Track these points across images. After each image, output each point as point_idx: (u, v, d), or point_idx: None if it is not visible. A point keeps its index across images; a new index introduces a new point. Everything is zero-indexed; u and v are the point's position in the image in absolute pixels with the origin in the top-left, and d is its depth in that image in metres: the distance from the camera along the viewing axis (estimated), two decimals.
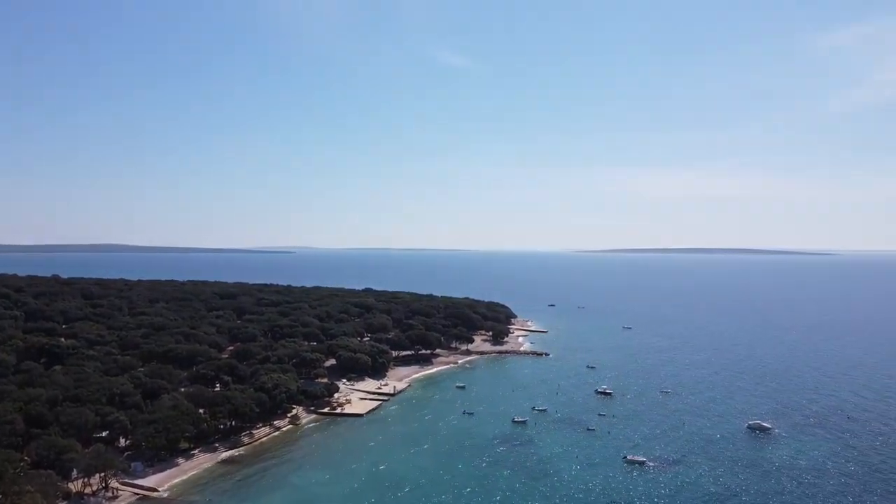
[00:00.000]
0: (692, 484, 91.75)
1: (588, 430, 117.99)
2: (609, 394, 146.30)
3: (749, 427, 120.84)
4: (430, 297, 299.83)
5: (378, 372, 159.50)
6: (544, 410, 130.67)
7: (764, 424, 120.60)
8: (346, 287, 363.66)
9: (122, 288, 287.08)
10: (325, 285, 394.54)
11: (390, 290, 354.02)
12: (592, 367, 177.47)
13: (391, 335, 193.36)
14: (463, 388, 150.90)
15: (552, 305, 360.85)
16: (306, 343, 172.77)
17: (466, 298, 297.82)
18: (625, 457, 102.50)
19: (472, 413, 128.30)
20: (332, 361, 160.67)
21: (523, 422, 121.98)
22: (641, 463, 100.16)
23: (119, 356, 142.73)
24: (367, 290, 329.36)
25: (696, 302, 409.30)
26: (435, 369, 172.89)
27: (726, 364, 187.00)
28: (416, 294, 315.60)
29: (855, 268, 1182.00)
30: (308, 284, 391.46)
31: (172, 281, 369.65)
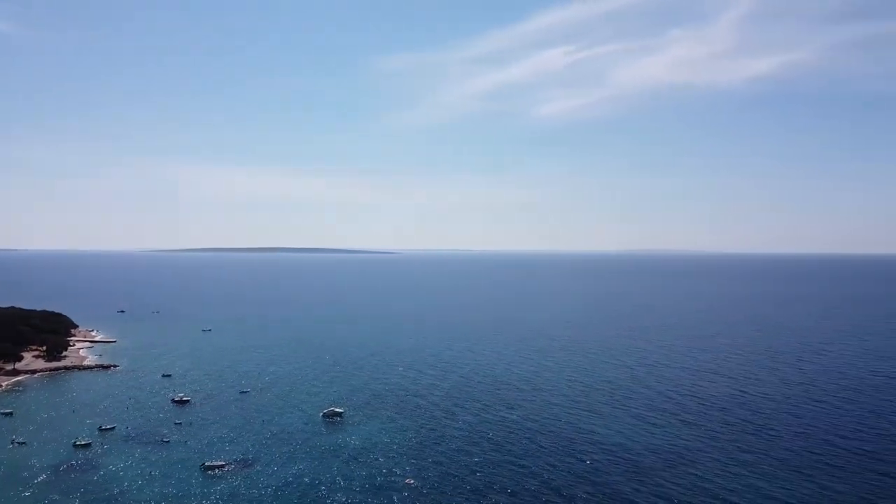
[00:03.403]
0: (271, 479, 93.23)
1: (163, 442, 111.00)
2: (187, 401, 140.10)
3: (324, 415, 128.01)
4: None
5: None
6: (113, 429, 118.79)
7: (337, 410, 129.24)
8: None
9: None
10: None
11: None
12: (168, 376, 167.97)
13: None
14: (10, 414, 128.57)
15: (122, 311, 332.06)
16: None
17: (13, 308, 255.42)
18: (203, 464, 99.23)
19: (23, 442, 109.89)
20: None
21: (87, 444, 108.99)
22: (221, 467, 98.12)
23: None
24: None
25: (276, 298, 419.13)
26: None
27: (303, 356, 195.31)
28: None
29: (413, 264, 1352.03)
30: None
31: None
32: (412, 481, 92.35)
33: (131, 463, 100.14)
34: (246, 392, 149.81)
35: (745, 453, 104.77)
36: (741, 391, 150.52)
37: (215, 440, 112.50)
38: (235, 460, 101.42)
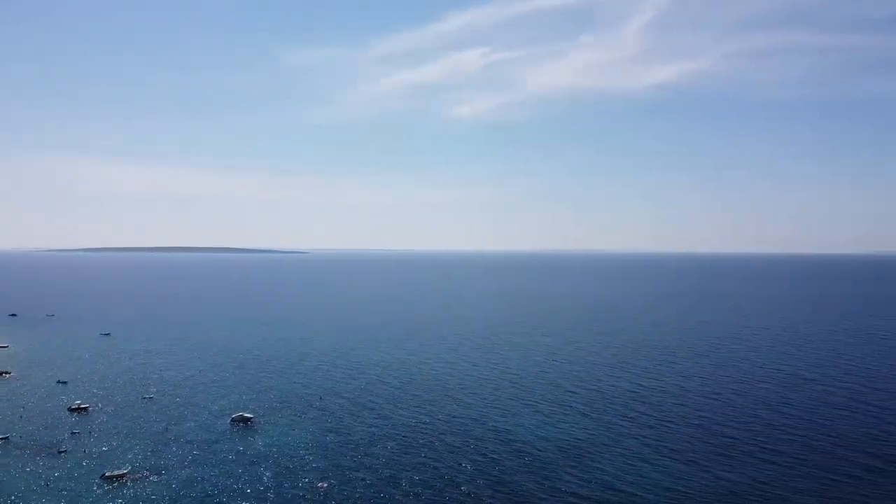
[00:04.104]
0: (177, 487, 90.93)
1: (60, 451, 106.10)
2: (85, 409, 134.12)
3: (232, 420, 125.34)
4: None
5: None
6: (6, 439, 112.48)
7: (246, 415, 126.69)
8: None
9: None
10: None
11: None
12: (64, 382, 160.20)
13: None
14: None
15: (13, 315, 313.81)
16: None
17: None
18: (103, 473, 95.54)
19: None
20: None
21: None
22: (122, 476, 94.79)
23: None
24: None
25: (180, 300, 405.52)
26: None
27: (210, 359, 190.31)
28: None
29: (324, 264, 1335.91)
30: None
31: None
32: (324, 485, 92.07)
33: (26, 474, 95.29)
34: (149, 398, 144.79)
35: (645, 447, 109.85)
36: (641, 385, 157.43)
37: (116, 448, 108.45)
38: (138, 469, 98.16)
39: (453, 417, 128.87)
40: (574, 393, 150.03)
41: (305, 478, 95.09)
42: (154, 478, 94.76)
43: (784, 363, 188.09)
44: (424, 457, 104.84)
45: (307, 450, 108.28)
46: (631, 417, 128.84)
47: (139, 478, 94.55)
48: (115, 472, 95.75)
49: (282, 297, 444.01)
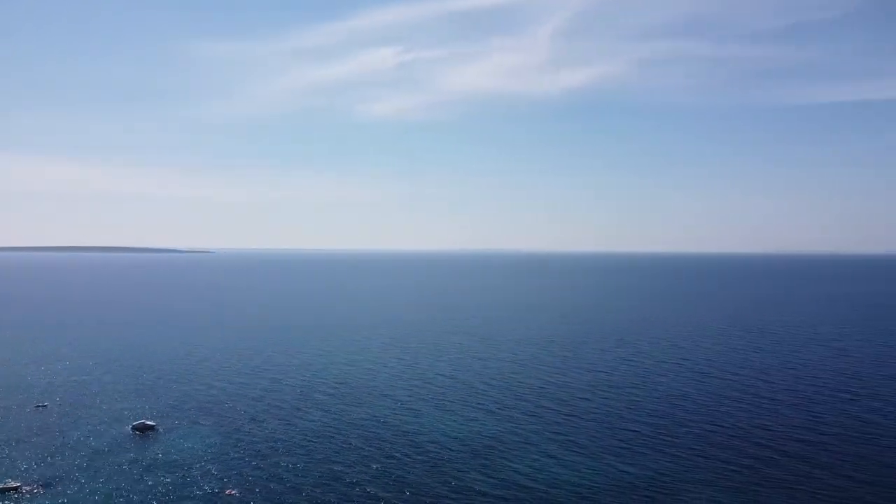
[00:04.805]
0: (74, 499, 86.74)
1: None
2: None
3: (133, 428, 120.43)
4: None
5: None
6: None
7: (148, 423, 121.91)
8: None
9: None
10: None
11: None
12: None
13: None
14: None
15: None
16: None
17: None
18: None
19: None
20: None
21: None
22: (15, 489, 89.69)
23: None
24: None
25: (72, 302, 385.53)
26: None
27: (109, 365, 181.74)
28: None
29: (229, 264, 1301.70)
30: None
31: None
32: (234, 492, 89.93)
33: None
34: (43, 406, 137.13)
35: (552, 443, 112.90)
36: (549, 381, 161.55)
37: (7, 460, 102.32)
38: (33, 481, 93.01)
39: (362, 420, 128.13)
40: (484, 392, 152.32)
41: (209, 487, 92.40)
42: (50, 490, 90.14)
43: (683, 357, 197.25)
44: (332, 461, 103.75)
45: (211, 458, 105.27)
46: (539, 414, 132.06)
47: (32, 491, 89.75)
48: (6, 486, 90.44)
49: (183, 299, 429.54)
